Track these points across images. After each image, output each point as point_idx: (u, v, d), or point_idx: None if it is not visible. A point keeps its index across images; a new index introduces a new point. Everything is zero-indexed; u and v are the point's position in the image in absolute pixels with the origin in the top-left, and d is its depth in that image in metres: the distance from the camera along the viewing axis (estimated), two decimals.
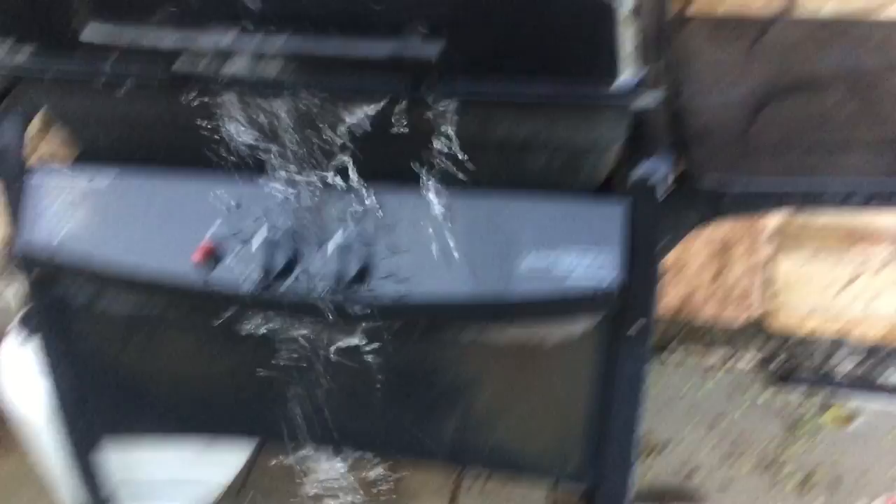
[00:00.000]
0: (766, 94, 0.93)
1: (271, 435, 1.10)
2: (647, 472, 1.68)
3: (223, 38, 0.73)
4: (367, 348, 0.98)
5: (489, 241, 0.90)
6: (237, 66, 0.73)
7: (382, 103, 0.80)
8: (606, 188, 0.92)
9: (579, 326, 0.96)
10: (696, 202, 0.85)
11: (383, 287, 0.91)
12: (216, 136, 0.89)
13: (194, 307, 1.00)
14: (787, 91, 0.93)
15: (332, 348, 0.98)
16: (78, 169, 0.98)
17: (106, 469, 1.22)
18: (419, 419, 1.05)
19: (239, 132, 0.88)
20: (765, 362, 1.89)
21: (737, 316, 1.82)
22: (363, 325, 0.94)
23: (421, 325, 0.96)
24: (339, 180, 0.90)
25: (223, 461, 1.37)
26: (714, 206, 0.83)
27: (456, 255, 0.90)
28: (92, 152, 1.00)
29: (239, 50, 0.72)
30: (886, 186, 0.79)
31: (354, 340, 0.96)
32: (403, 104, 0.79)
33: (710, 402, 1.82)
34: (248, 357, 1.03)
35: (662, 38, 0.90)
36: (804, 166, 0.82)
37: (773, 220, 1.69)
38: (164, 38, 0.73)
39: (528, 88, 0.80)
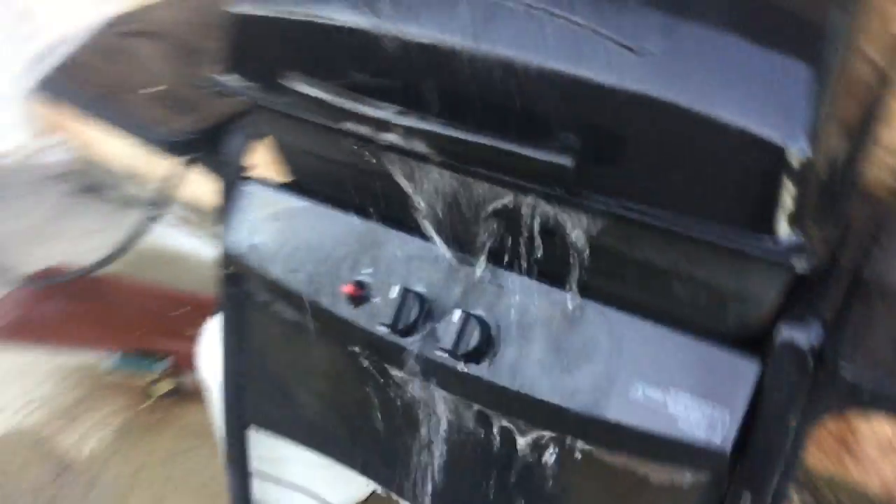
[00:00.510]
0: None
1: (380, 482, 1.15)
2: None
3: (384, 110, 0.79)
4: (473, 429, 0.99)
5: (612, 359, 0.88)
6: (392, 137, 0.79)
7: (514, 197, 0.81)
8: (751, 345, 0.85)
9: (689, 476, 0.89)
10: (834, 387, 0.76)
11: (493, 369, 0.92)
12: (390, 193, 0.96)
13: (337, 334, 1.07)
14: None
15: (442, 416, 1.01)
16: (282, 189, 1.10)
17: (252, 452, 1.35)
18: None
19: (408, 195, 0.93)
20: None
21: None
22: (469, 400, 0.96)
23: (525, 418, 0.95)
24: (482, 262, 0.93)
25: (348, 488, 1.44)
26: (849, 397, 0.74)
27: (573, 364, 0.89)
28: (298, 182, 1.11)
29: (395, 123, 0.78)
30: None
31: (457, 414, 0.98)
32: (534, 202, 0.80)
33: None
34: (374, 399, 1.09)
35: (845, 200, 0.81)
36: None
37: None
38: (340, 100, 0.81)
39: (671, 217, 0.77)
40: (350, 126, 0.82)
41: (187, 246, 2.45)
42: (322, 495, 1.38)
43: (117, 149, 2.55)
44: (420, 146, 0.78)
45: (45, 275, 2.05)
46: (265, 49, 0.94)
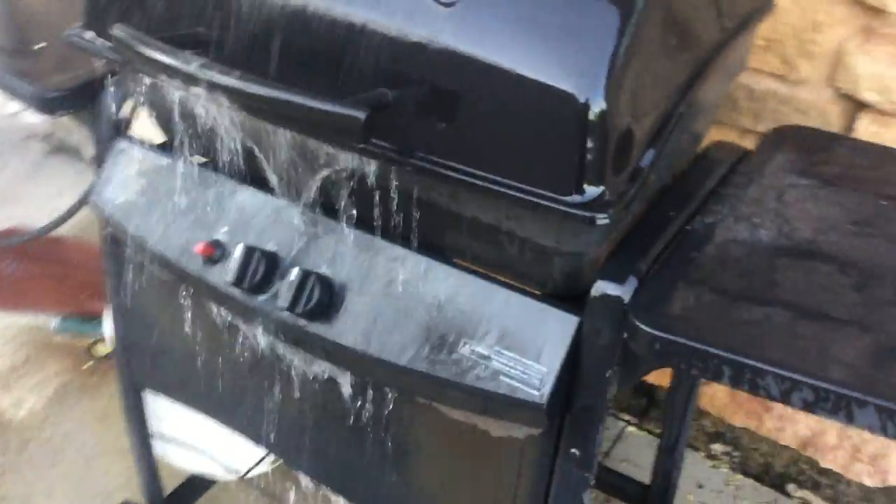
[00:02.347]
0: (779, 249, 0.79)
1: (250, 436, 1.16)
2: None
3: (189, 64, 0.78)
4: (315, 385, 1.00)
5: (441, 315, 0.87)
6: (199, 91, 0.78)
7: (337, 154, 0.81)
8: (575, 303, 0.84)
9: (523, 430, 0.90)
10: (635, 342, 0.75)
11: (331, 326, 0.92)
12: (237, 149, 0.95)
13: (199, 294, 1.07)
14: (805, 253, 0.78)
15: (294, 373, 1.01)
16: (151, 148, 1.10)
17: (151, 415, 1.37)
18: (362, 466, 1.05)
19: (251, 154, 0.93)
20: None
21: (869, 476, 1.56)
22: (310, 356, 0.96)
23: (361, 376, 0.96)
24: (327, 219, 0.93)
25: (243, 450, 1.45)
26: (649, 352, 0.73)
27: (406, 319, 0.89)
28: (169, 142, 1.11)
29: (199, 77, 0.77)
30: (841, 393, 0.64)
31: (302, 369, 0.99)
32: (357, 159, 0.80)
33: None
34: (238, 358, 1.09)
35: (661, 153, 0.80)
36: (768, 344, 0.70)
37: None
38: (149, 51, 0.81)
39: (483, 175, 0.76)
40: (166, 80, 0.81)
41: None
42: (220, 458, 1.39)
43: None
44: (223, 100, 0.77)
45: (2, 235, 2.05)
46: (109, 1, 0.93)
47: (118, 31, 0.86)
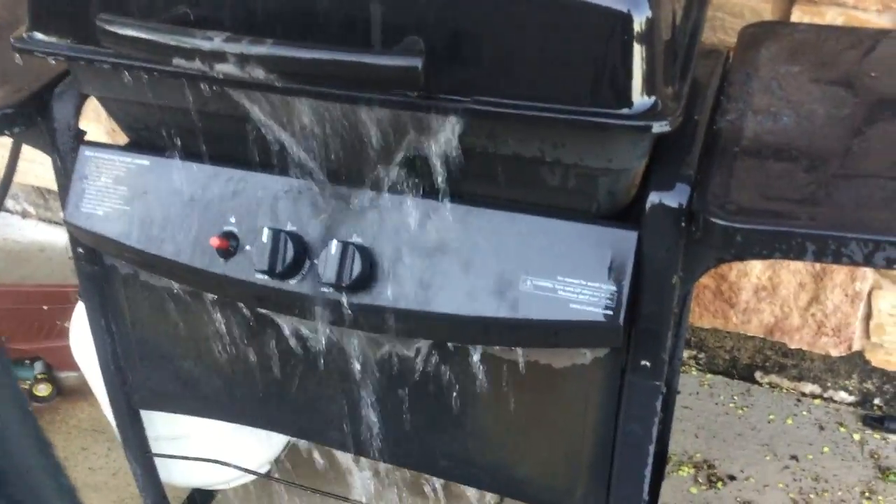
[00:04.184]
0: (805, 131, 0.84)
1: (297, 434, 1.12)
2: (707, 503, 1.59)
3: (213, 41, 0.73)
4: (374, 358, 0.98)
5: (494, 259, 0.87)
6: (227, 67, 0.74)
7: (376, 111, 0.78)
8: (625, 219, 0.86)
9: (588, 355, 0.91)
10: (710, 239, 0.78)
11: (382, 294, 0.90)
12: (242, 133, 0.91)
13: (215, 293, 1.02)
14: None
15: (342, 352, 0.99)
16: (122, 150, 1.03)
17: (151, 431, 1.29)
18: (426, 433, 1.04)
19: (261, 130, 0.89)
20: (863, 399, 1.74)
21: (835, 346, 1.67)
22: (367, 331, 0.94)
23: (420, 337, 0.94)
24: (351, 188, 0.90)
25: (257, 448, 1.41)
26: (728, 245, 0.76)
27: (458, 270, 0.88)
28: (138, 141, 1.04)
29: (228, 53, 0.73)
30: None
31: (360, 347, 0.96)
32: (400, 115, 0.77)
33: (793, 435, 1.70)
34: (271, 351, 1.05)
35: (689, 58, 0.82)
36: (832, 216, 0.74)
37: None
38: (164, 36, 0.75)
39: (533, 104, 0.76)
40: (180, 63, 0.76)
41: (40, 236, 2.29)
42: (233, 461, 1.34)
43: None
44: (258, 72, 0.73)
45: None
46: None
47: (106, 21, 0.79)
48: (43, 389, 1.90)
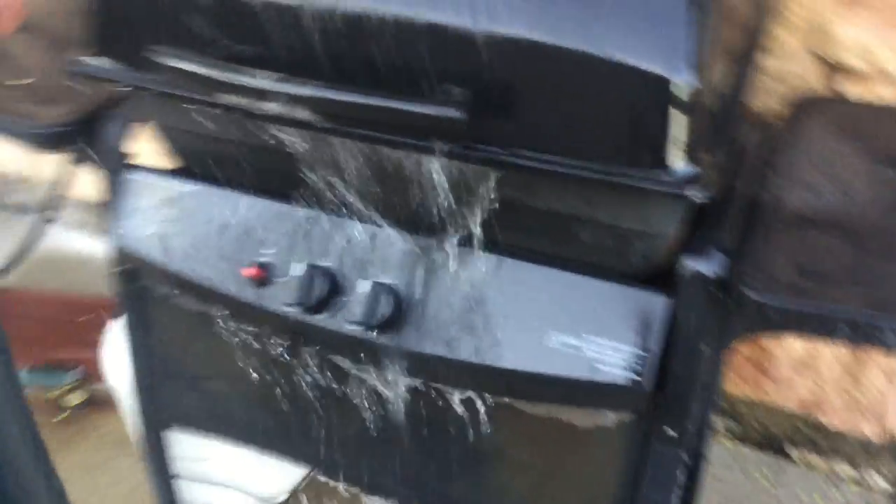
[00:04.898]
0: (849, 213, 0.82)
1: (317, 467, 1.12)
2: None
3: (262, 78, 0.75)
4: (396, 399, 0.97)
5: (523, 312, 0.87)
6: (273, 106, 0.75)
7: (413, 157, 0.79)
8: (658, 282, 0.85)
9: (612, 417, 0.90)
10: (743, 312, 0.76)
11: (408, 337, 0.90)
12: (284, 167, 0.92)
13: (246, 321, 1.03)
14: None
15: (362, 390, 0.99)
16: (170, 175, 1.05)
17: (174, 451, 1.30)
18: (444, 480, 1.03)
19: (303, 167, 0.90)
20: None
21: (872, 430, 1.63)
22: (390, 373, 0.94)
23: (440, 383, 0.94)
24: (388, 229, 0.91)
25: (276, 477, 1.41)
26: (761, 321, 0.75)
27: (486, 320, 0.88)
28: (186, 166, 1.06)
29: (275, 90, 0.74)
30: None
31: (379, 384, 0.96)
32: (431, 161, 0.78)
33: None
34: (294, 383, 1.06)
35: (733, 125, 0.82)
36: (869, 298, 0.72)
37: None
38: (213, 72, 0.77)
39: (571, 161, 0.76)
40: (228, 99, 0.78)
41: (86, 248, 2.34)
42: (252, 489, 1.34)
43: (4, 153, 2.42)
44: (303, 113, 0.74)
45: None
46: (131, 25, 0.89)
47: (163, 54, 0.81)
48: (73, 398, 1.93)
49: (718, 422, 1.82)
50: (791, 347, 1.61)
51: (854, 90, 1.31)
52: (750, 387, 1.71)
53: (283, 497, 1.43)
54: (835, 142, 0.95)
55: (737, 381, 1.72)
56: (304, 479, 1.45)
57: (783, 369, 1.65)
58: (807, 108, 1.03)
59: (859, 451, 1.69)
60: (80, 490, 1.74)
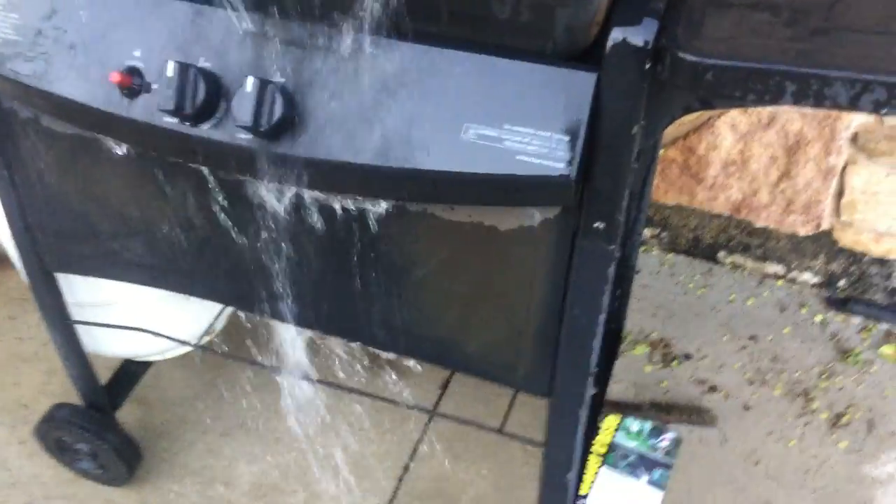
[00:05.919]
0: None
1: (221, 300, 1.03)
2: (661, 382, 1.55)
3: None
4: (298, 212, 0.88)
5: (433, 104, 0.76)
6: None
7: None
8: (584, 60, 0.75)
9: (537, 215, 0.82)
10: (677, 79, 0.67)
11: (304, 141, 0.79)
12: None
13: (122, 138, 0.91)
14: None
15: (266, 208, 0.89)
16: None
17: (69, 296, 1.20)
18: (361, 300, 0.95)
19: None
20: (828, 280, 1.69)
21: (803, 225, 1.61)
22: (286, 184, 0.83)
23: (346, 193, 0.84)
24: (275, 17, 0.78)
25: (188, 316, 1.33)
26: (697, 86, 0.66)
27: (391, 117, 0.77)
28: None
29: None
30: None
31: (276, 202, 0.86)
32: None
33: (754, 315, 1.65)
34: (187, 207, 0.95)
35: None
36: (823, 58, 0.64)
37: (853, 120, 1.45)
38: None
39: None
40: None
41: None
42: (163, 331, 1.25)
43: None
44: None
45: None
46: None
47: None
48: None
49: (647, 232, 1.79)
50: (722, 148, 1.56)
51: None
52: (681, 193, 1.67)
53: (199, 339, 1.35)
54: None
55: (667, 189, 1.68)
56: (216, 317, 1.37)
57: (714, 172, 1.61)
58: None
59: (789, 250, 1.68)
60: None
